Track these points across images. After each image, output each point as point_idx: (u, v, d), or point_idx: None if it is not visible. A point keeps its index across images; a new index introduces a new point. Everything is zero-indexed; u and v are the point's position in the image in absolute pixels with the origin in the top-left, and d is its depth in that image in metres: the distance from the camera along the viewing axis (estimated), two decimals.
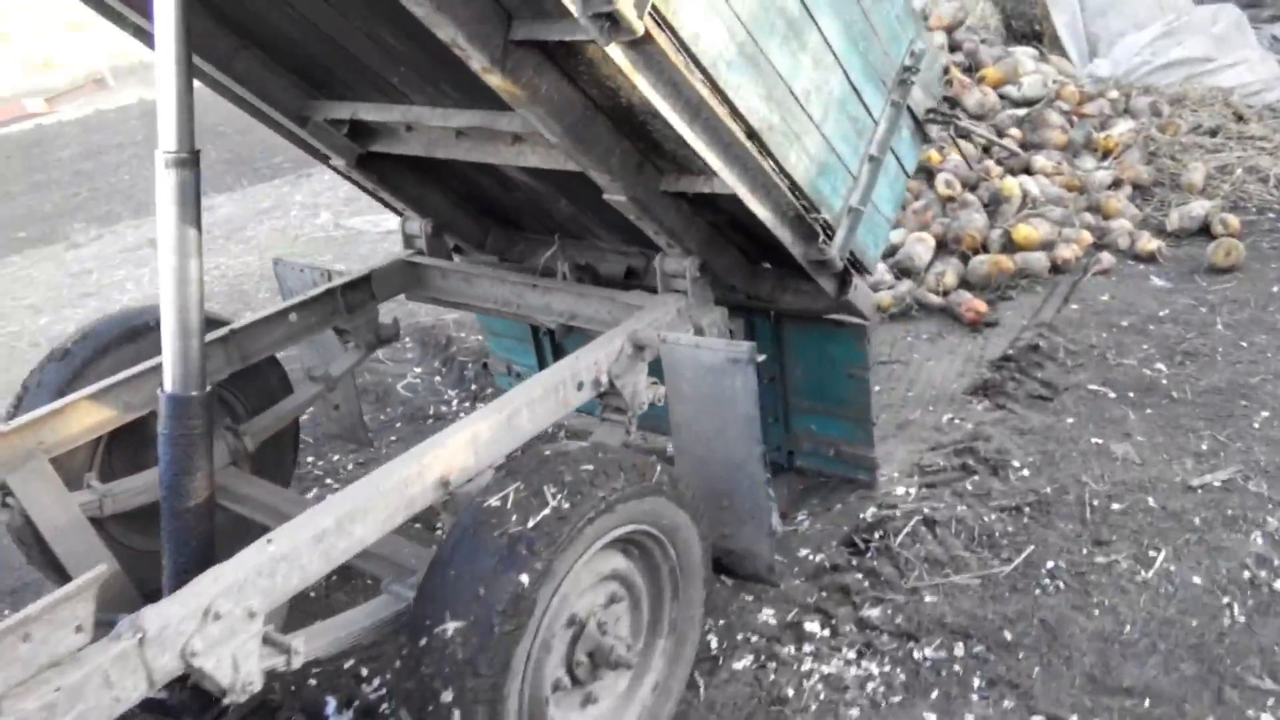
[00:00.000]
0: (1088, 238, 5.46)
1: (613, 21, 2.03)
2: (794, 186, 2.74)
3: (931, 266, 5.23)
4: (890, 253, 5.37)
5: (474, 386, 4.89)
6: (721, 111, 2.41)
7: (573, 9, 1.99)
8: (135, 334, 3.04)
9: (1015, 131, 6.38)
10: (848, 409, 3.38)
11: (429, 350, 5.32)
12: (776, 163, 2.64)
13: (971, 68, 7.01)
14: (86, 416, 2.72)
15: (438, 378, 5.09)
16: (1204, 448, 3.54)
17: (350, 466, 4.24)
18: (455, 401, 4.83)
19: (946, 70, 6.75)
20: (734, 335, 3.20)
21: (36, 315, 6.69)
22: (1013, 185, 5.67)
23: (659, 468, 2.31)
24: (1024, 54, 7.37)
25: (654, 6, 2.10)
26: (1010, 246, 5.31)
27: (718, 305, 3.13)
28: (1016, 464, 3.48)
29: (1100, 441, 3.59)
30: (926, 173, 5.98)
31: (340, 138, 3.18)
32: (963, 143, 5.24)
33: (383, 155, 3.27)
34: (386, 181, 3.40)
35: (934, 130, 3.35)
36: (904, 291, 5.06)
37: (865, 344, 3.25)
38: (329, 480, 4.15)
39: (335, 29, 2.67)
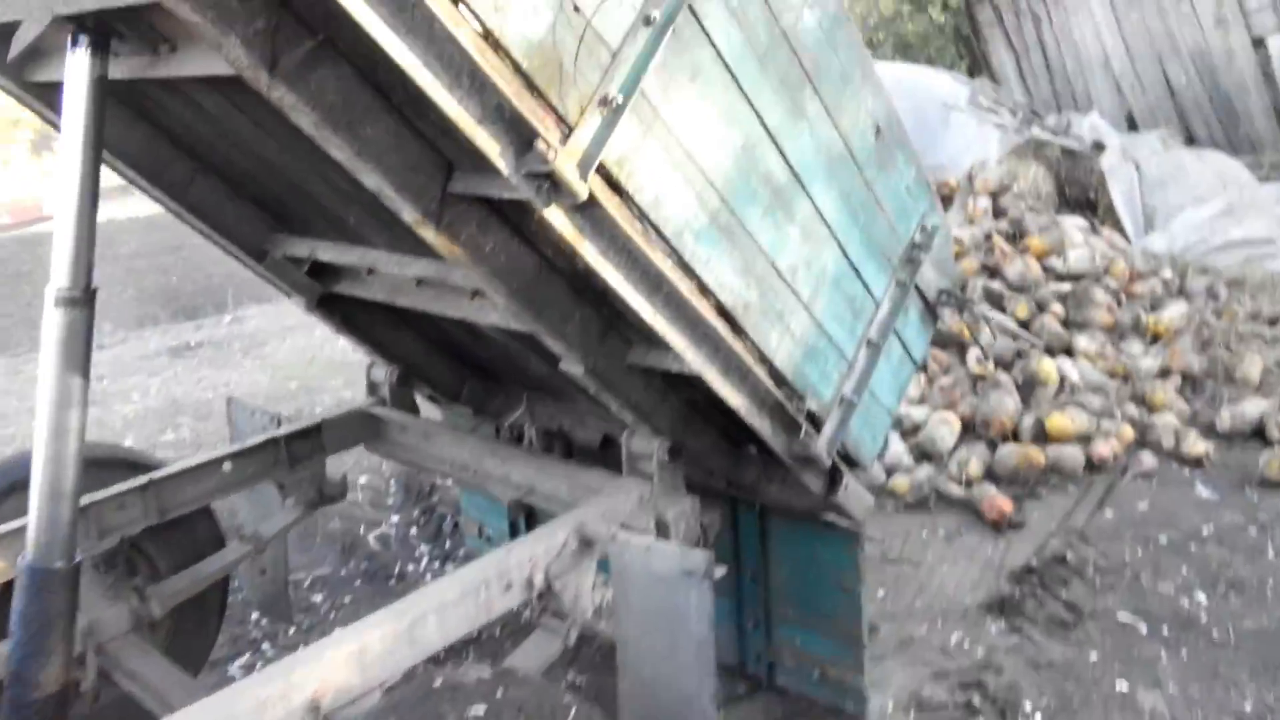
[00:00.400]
0: (1129, 433, 5.03)
1: (553, 183, 1.78)
2: (774, 372, 2.43)
3: (955, 452, 4.83)
4: (911, 431, 4.99)
5: (448, 544, 4.54)
6: (686, 286, 2.11)
7: (503, 168, 1.74)
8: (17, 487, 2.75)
9: (1057, 308, 6.03)
10: (836, 625, 2.95)
11: (411, 496, 5.00)
12: (754, 344, 2.34)
13: (1016, 236, 6.75)
14: None
15: (414, 529, 4.74)
16: (1247, 709, 3.03)
17: (291, 632, 3.86)
18: (426, 559, 4.47)
19: (988, 238, 6.56)
20: (708, 528, 2.82)
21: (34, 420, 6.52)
22: (1050, 368, 5.30)
23: (573, 713, 1.90)
24: (1073, 225, 7.11)
25: (603, 167, 1.85)
26: (1043, 436, 4.90)
27: (691, 492, 2.77)
28: (1028, 707, 3.00)
29: (1126, 688, 3.10)
30: (958, 346, 5.65)
31: (301, 276, 2.95)
32: (983, 327, 4.91)
33: (347, 295, 3.03)
34: (351, 324, 3.15)
35: (947, 314, 3.04)
36: (923, 479, 4.65)
37: (857, 552, 2.85)
38: (266, 645, 3.77)
39: (285, 164, 2.46)
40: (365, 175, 1.85)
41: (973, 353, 5.44)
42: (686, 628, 2.25)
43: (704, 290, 2.17)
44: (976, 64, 12.47)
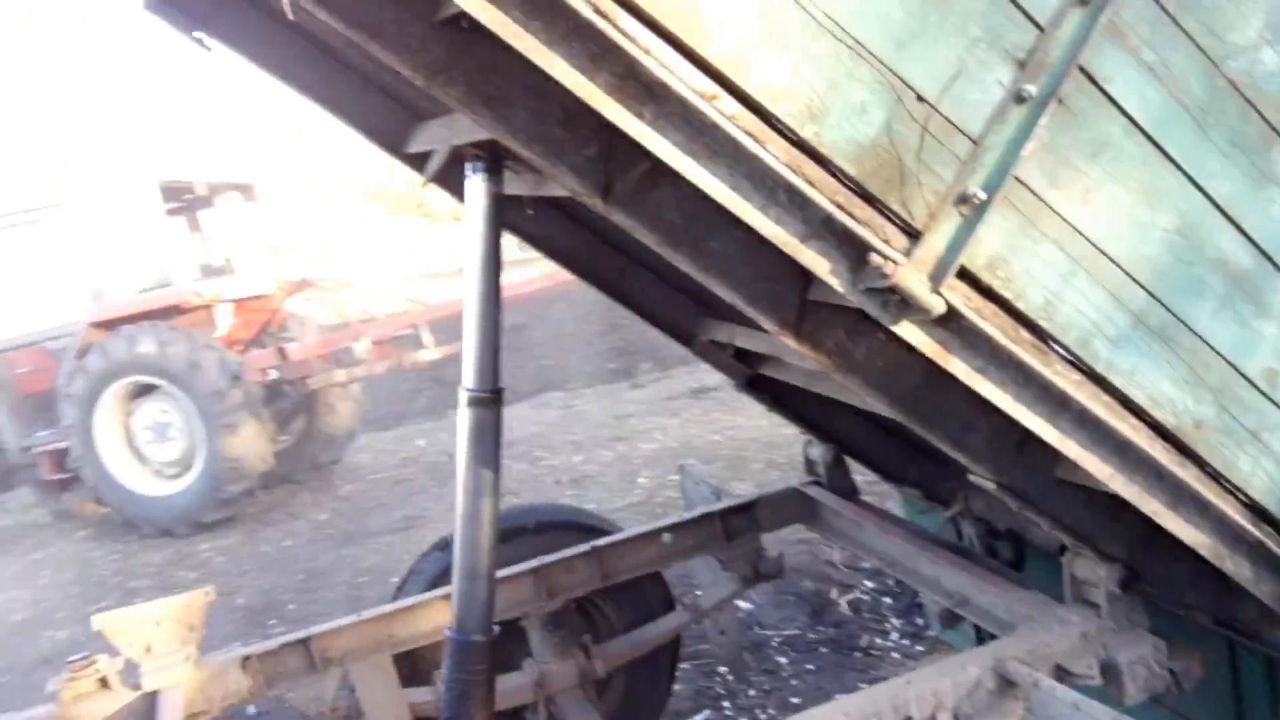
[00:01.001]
0: None
1: (899, 297, 1.55)
2: (1251, 503, 1.88)
3: None
4: None
5: (920, 620, 4.26)
6: (1103, 404, 1.72)
7: (836, 285, 1.55)
8: (512, 534, 3.09)
9: None
10: None
11: None
12: (1214, 470, 1.83)
13: None
14: (438, 615, 2.79)
15: (887, 598, 4.54)
16: None
17: (752, 693, 3.89)
18: (895, 634, 4.25)
19: None
20: (1182, 675, 2.27)
21: (574, 452, 7.47)
22: None
23: None
24: None
25: (969, 272, 1.57)
26: None
27: (1156, 633, 2.26)
28: None
29: None
30: None
31: (727, 359, 2.97)
32: None
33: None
34: (782, 403, 3.09)
35: None
36: None
37: None
38: (726, 703, 3.85)
39: None
40: (716, 288, 1.78)
41: None
42: None
43: (1130, 407, 1.74)
44: None
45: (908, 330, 1.59)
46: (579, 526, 3.23)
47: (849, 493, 3.19)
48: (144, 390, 8.92)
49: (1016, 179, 1.58)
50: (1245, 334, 1.79)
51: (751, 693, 3.91)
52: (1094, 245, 1.65)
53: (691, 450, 7.14)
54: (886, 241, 1.53)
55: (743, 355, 2.98)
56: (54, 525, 9.62)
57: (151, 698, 2.39)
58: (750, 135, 1.43)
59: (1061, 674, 2.13)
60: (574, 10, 1.33)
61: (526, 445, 8.83)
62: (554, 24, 1.35)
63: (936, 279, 1.53)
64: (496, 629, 2.36)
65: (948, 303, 1.55)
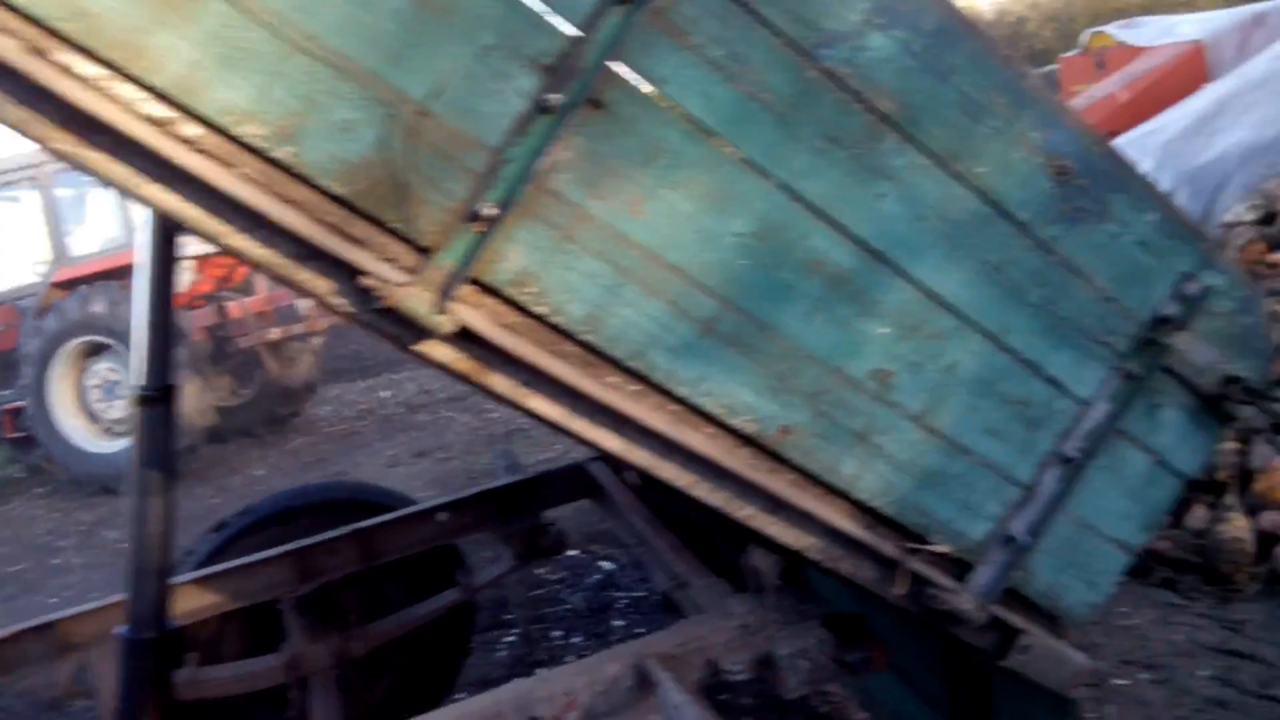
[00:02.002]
0: None
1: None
2: (862, 507, 1.85)
3: None
4: None
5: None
6: (664, 416, 1.69)
7: (347, 308, 1.53)
8: (290, 515, 3.12)
9: None
10: None
11: None
12: (813, 475, 1.80)
13: None
14: (192, 600, 2.82)
15: None
16: None
17: (569, 659, 3.93)
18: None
19: None
20: (861, 666, 2.27)
21: None
22: None
23: None
24: None
25: (497, 290, 1.54)
26: None
27: (828, 622, 2.25)
28: None
29: None
30: None
31: None
32: None
33: None
34: None
35: (1246, 413, 2.07)
36: None
37: None
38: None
39: None
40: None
41: None
42: None
43: (705, 416, 1.72)
44: None
45: (436, 349, 1.56)
46: (365, 504, 3.24)
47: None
48: (98, 350, 9.01)
49: (548, 191, 1.54)
50: (846, 336, 1.75)
51: (569, 659, 3.95)
52: (648, 255, 1.61)
53: None
54: (393, 260, 1.50)
55: None
56: (25, 481, 9.80)
57: None
58: (217, 159, 1.39)
59: (713, 669, 2.13)
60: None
61: (478, 399, 8.86)
62: None
63: (444, 297, 1.49)
64: (173, 625, 2.38)
65: (465, 321, 1.52)
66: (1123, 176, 1.84)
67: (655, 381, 1.66)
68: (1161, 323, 1.93)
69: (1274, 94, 6.02)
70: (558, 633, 4.09)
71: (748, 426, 1.73)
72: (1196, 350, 1.98)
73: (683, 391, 1.68)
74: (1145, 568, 3.77)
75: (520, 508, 3.16)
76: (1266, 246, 4.94)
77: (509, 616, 4.25)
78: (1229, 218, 5.36)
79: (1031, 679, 2.07)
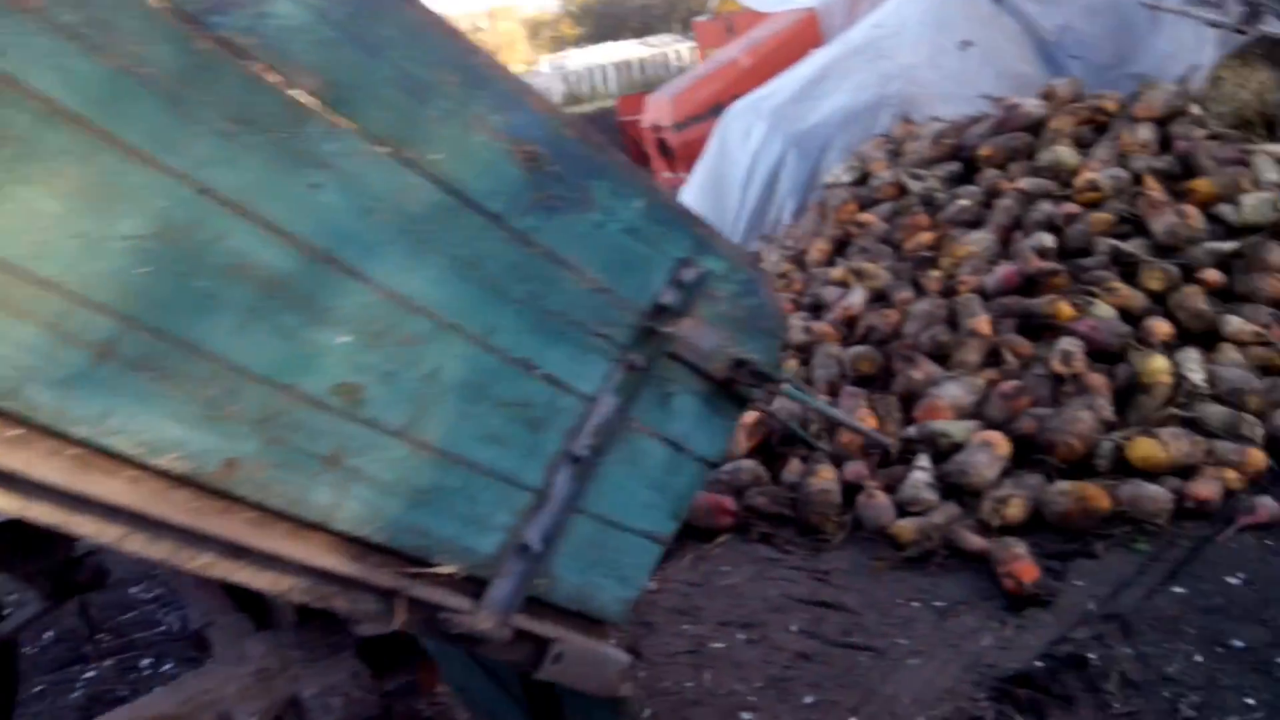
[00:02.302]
0: (1259, 460, 3.66)
1: None
2: (347, 538, 1.66)
3: (998, 487, 3.71)
4: (948, 453, 3.89)
5: None
6: (59, 464, 1.40)
7: None
8: None
9: (1213, 274, 4.54)
10: None
11: None
12: (274, 511, 1.59)
13: (1182, 175, 5.19)
14: None
15: None
16: None
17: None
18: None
19: (1137, 179, 5.06)
20: (410, 690, 2.12)
21: None
22: (1160, 366, 3.97)
23: None
24: (1268, 160, 5.37)
25: None
26: (1123, 468, 3.67)
27: (365, 649, 2.07)
28: None
29: None
30: (1051, 331, 4.36)
31: None
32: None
33: None
34: None
35: (758, 394, 2.08)
36: (938, 523, 3.60)
37: None
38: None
39: None
40: None
41: (1061, 345, 4.18)
42: None
43: (121, 459, 1.45)
44: None
45: None
46: None
47: None
48: None
49: None
50: (296, 348, 1.54)
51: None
52: (6, 269, 1.31)
53: None
54: None
55: None
56: None
57: None
58: None
59: None
60: None
61: None
62: None
63: None
64: None
65: None
66: (601, 162, 1.75)
67: (41, 424, 1.37)
68: (660, 311, 1.88)
69: (870, 60, 6.48)
70: (147, 660, 3.65)
71: (179, 465, 1.47)
72: (702, 335, 1.95)
73: (81, 432, 1.39)
74: (745, 525, 3.92)
75: (41, 541, 2.72)
76: (858, 206, 5.30)
77: (88, 649, 3.75)
78: (829, 179, 5.70)
79: (572, 686, 2.00)
